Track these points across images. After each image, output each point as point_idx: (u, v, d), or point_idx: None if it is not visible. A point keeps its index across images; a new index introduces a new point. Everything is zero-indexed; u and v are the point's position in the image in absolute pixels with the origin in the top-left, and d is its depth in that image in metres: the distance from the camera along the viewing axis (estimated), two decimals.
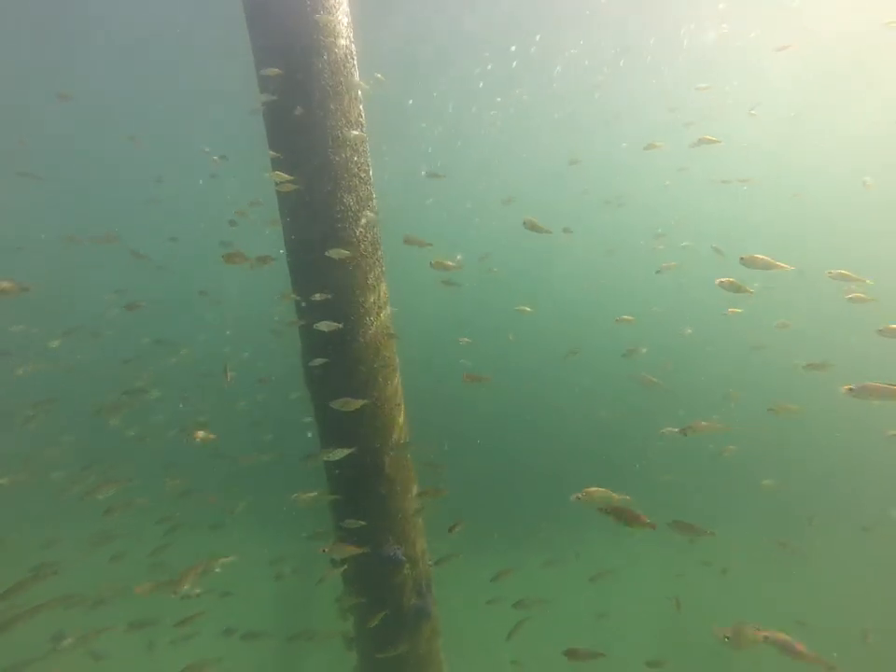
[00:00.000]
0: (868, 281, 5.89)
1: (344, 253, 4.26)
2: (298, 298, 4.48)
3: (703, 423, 4.18)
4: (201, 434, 4.96)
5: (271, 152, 4.34)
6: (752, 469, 10.95)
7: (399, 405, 4.73)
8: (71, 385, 13.22)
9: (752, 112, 15.30)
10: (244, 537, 9.50)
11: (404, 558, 4.40)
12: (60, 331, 9.70)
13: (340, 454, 4.14)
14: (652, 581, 9.59)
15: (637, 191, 19.84)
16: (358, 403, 4.16)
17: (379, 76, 7.69)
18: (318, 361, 4.32)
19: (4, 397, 9.79)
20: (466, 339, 7.95)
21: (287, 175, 4.19)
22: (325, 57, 4.17)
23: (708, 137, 6.91)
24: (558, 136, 20.70)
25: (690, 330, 11.99)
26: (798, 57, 17.31)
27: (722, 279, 4.55)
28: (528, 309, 8.49)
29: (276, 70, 4.02)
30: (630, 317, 7.48)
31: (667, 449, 10.38)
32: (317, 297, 4.25)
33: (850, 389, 3.17)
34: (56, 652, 4.71)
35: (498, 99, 19.33)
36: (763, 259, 4.27)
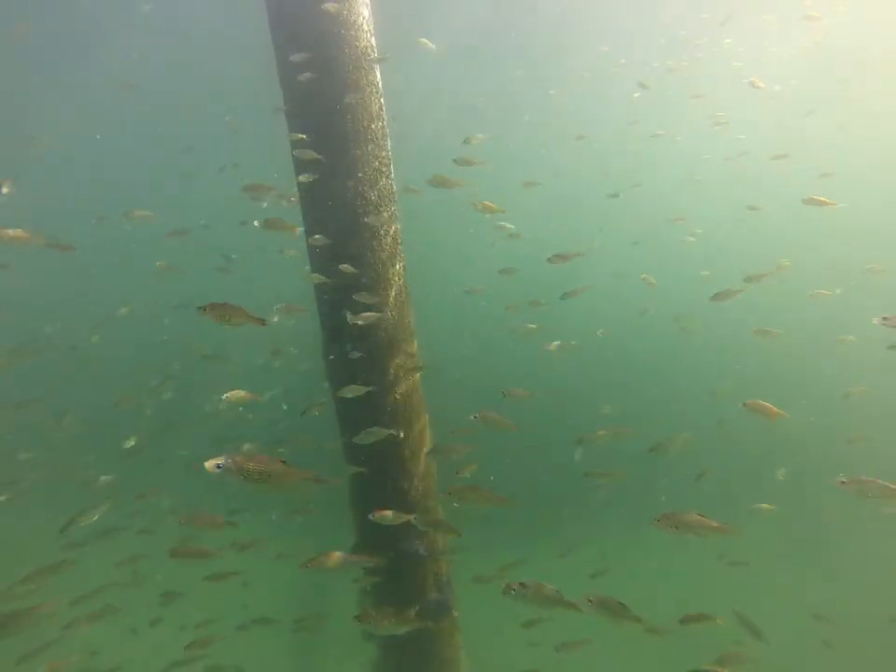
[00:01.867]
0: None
1: (383, 217, 4.29)
2: (318, 288, 4.49)
3: (518, 390, 4.78)
4: (237, 395, 4.83)
5: (293, 141, 4.32)
6: (768, 460, 10.82)
7: (420, 400, 4.75)
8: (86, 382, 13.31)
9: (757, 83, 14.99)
10: (258, 524, 9.57)
11: (425, 553, 4.44)
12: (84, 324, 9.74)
13: (379, 434, 4.12)
14: (666, 575, 9.56)
15: (657, 182, 19.58)
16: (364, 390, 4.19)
17: (425, 41, 7.29)
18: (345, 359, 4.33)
19: (12, 390, 9.82)
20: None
21: (311, 156, 4.15)
22: (345, 50, 4.14)
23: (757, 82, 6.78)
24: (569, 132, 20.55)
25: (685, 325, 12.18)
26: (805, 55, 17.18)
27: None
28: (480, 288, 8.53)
29: (303, 55, 3.98)
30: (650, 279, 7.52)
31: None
32: (343, 267, 4.25)
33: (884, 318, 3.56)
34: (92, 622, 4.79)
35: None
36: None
